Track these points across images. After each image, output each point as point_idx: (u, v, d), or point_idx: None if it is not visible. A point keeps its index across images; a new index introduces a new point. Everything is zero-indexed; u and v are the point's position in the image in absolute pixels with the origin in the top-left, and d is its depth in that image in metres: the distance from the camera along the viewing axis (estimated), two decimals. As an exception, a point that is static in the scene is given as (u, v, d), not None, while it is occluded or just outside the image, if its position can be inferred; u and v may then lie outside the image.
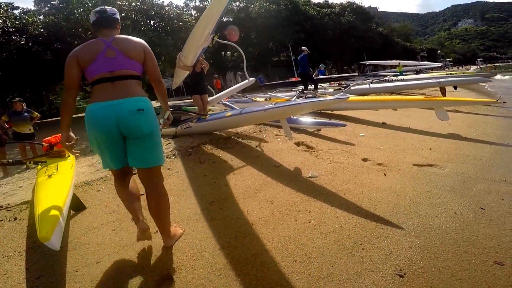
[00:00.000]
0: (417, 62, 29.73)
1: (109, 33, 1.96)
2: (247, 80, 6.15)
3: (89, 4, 11.61)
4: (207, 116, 5.08)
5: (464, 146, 4.36)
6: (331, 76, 18.37)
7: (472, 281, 1.68)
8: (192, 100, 5.96)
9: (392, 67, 25.54)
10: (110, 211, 2.79)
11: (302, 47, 9.66)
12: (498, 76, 16.97)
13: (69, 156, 3.32)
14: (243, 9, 29.01)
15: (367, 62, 30.24)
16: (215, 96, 7.44)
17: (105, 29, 1.96)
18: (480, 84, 12.94)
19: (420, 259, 1.88)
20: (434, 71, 20.63)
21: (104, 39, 1.91)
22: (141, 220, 1.96)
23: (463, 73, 14.15)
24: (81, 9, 11.97)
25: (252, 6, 28.71)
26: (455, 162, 3.64)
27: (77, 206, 2.85)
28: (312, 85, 9.81)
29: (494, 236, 2.07)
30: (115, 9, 2.09)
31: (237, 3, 31.26)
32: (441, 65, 33.16)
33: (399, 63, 22.11)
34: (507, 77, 17.99)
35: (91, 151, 4.92)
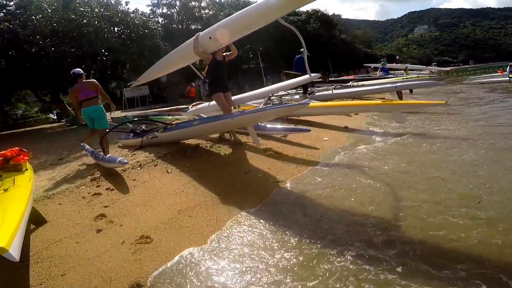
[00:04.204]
0: (423, 66, 29.76)
1: (80, 80, 4.49)
2: (308, 75, 5.47)
3: (49, 10, 10.96)
4: (173, 125, 4.87)
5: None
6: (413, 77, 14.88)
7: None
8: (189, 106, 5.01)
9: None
10: (73, 224, 2.71)
11: (301, 49, 7.77)
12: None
13: (26, 170, 3.18)
14: (213, 17, 28.85)
15: (372, 65, 28.63)
16: (263, 90, 6.21)
17: (78, 78, 4.49)
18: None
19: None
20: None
21: (80, 83, 4.45)
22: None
23: (417, 77, 14.70)
24: (40, 15, 11.25)
25: (221, 14, 28.68)
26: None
27: (37, 219, 2.73)
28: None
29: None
30: (79, 69, 4.64)
31: (206, 11, 31.33)
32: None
33: (406, 67, 21.50)
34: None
35: (50, 165, 4.81)
